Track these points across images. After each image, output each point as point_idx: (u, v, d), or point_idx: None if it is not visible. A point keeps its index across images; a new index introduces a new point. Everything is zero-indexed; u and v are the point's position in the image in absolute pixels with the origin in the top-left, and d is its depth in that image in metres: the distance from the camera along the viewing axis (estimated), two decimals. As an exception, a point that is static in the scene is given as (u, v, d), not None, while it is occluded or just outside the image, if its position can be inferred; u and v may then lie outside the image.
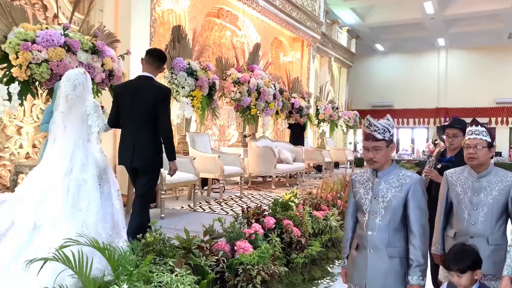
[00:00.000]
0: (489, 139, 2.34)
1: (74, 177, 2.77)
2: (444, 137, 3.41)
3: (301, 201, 4.74)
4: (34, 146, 4.81)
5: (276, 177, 7.51)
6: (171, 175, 3.46)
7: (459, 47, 18.10)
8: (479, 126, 2.38)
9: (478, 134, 2.34)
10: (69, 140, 2.88)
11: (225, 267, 3.00)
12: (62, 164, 2.79)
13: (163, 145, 3.27)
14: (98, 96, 4.52)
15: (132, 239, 2.85)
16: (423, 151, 15.37)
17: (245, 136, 8.15)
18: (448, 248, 2.31)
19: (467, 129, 2.42)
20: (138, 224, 3.10)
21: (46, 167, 2.84)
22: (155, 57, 3.33)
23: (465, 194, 2.39)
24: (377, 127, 1.99)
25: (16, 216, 2.66)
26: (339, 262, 4.52)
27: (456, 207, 2.42)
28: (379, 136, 1.99)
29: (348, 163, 11.99)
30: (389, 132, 2.01)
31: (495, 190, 2.29)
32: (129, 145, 3.20)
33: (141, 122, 3.18)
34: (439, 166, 3.29)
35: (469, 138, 2.36)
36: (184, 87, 5.78)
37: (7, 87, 3.64)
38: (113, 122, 3.28)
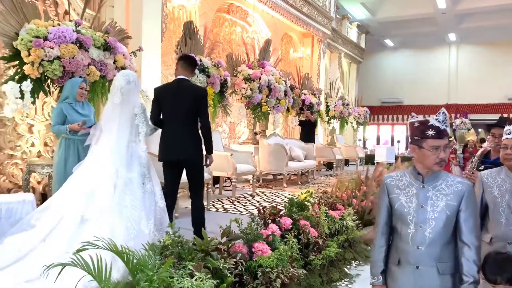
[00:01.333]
0: None
1: (121, 175, 2.94)
2: (489, 137, 3.26)
3: (317, 200, 4.64)
4: (45, 144, 4.75)
5: (287, 174, 7.42)
6: (207, 166, 3.68)
7: (470, 42, 17.82)
8: None
9: None
10: (116, 140, 3.05)
11: (243, 269, 2.92)
12: (110, 163, 2.96)
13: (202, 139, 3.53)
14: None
15: (197, 227, 3.32)
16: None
17: (255, 134, 8.06)
18: (484, 254, 2.14)
19: (505, 129, 2.32)
20: (199, 213, 3.52)
21: (93, 165, 3.01)
22: (189, 63, 3.64)
23: (503, 197, 2.25)
24: (447, 120, 1.75)
25: (65, 211, 2.84)
26: (356, 263, 4.43)
27: (493, 211, 2.28)
28: (450, 131, 1.79)
29: (359, 160, 11.85)
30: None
31: None
32: (173, 141, 3.43)
33: (184, 120, 3.44)
34: (481, 167, 3.15)
35: (506, 138, 2.25)
36: (196, 84, 5.68)
37: (19, 85, 3.57)
38: (155, 121, 3.51)
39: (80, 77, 3.88)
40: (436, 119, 1.75)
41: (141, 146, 3.18)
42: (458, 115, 16.55)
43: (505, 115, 17.35)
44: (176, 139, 3.43)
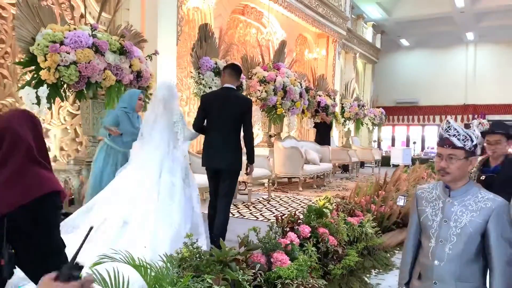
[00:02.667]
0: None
1: (164, 180, 3.07)
2: (485, 144, 3.08)
3: (335, 206, 4.53)
4: (61, 149, 4.74)
5: (303, 178, 7.31)
6: (248, 174, 3.83)
7: (489, 41, 17.41)
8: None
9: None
10: (159, 145, 3.19)
11: (262, 281, 2.83)
12: (152, 169, 3.10)
13: (245, 148, 3.59)
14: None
15: (217, 235, 3.25)
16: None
17: (270, 136, 7.97)
18: None
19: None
20: (223, 221, 3.45)
21: (137, 170, 3.14)
22: (236, 71, 3.67)
23: None
24: (458, 132, 1.67)
25: (108, 213, 2.96)
26: (375, 271, 4.31)
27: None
28: (458, 143, 1.66)
29: (375, 162, 11.67)
30: (472, 141, 1.67)
31: None
32: (217, 149, 3.49)
33: (228, 129, 3.49)
34: (482, 177, 2.99)
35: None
36: (211, 87, 5.63)
37: (35, 90, 3.55)
38: (198, 127, 3.55)
39: (139, 88, 4.19)
40: (442, 127, 1.73)
41: (181, 151, 3.33)
42: (476, 116, 16.24)
43: (525, 116, 16.95)
44: (220, 147, 3.49)
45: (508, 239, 1.64)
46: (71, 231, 2.94)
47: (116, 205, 3.00)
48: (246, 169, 3.72)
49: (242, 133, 3.60)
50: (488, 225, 1.64)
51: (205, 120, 3.55)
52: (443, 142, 1.70)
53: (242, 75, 6.29)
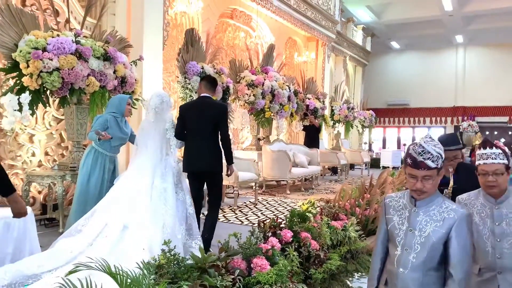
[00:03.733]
0: (507, 162, 2.01)
1: (156, 186, 3.27)
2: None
3: (319, 210, 4.57)
4: (46, 153, 4.74)
5: (291, 181, 7.36)
6: (229, 175, 3.94)
7: (478, 44, 17.62)
8: (494, 147, 2.02)
9: (495, 158, 2.00)
10: (153, 153, 3.39)
11: (241, 286, 2.86)
12: (146, 175, 3.29)
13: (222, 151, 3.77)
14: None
15: (207, 236, 3.54)
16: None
17: (259, 139, 8.00)
18: (473, 285, 2.03)
19: (480, 152, 2.06)
20: (212, 222, 3.70)
21: (133, 176, 3.34)
22: (211, 83, 3.89)
23: (484, 224, 2.06)
24: (431, 154, 1.68)
25: (109, 219, 3.15)
26: (358, 275, 4.35)
27: (477, 240, 2.06)
28: (432, 165, 1.67)
29: (364, 164, 11.75)
30: (442, 157, 1.71)
31: None
32: (197, 153, 3.69)
33: (206, 133, 3.69)
34: (446, 192, 3.00)
35: (485, 163, 2.01)
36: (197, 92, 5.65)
37: (18, 97, 3.56)
38: (180, 135, 3.68)
39: (123, 93, 4.27)
40: (413, 149, 1.72)
41: (173, 157, 3.53)
42: (465, 118, 16.40)
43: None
44: (199, 151, 3.70)
45: (468, 249, 1.69)
46: (74, 234, 3.18)
47: (116, 210, 3.19)
48: (227, 170, 3.87)
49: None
50: (450, 235, 1.69)
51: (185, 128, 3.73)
52: (418, 165, 1.70)
53: (228, 79, 6.38)
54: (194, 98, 5.73)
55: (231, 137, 3.92)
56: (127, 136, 3.96)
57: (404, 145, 17.28)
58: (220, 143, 3.76)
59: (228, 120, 4.00)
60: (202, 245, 3.35)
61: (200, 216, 3.85)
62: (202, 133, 3.68)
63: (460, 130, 15.09)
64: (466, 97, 17.97)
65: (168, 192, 3.31)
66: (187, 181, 3.71)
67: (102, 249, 2.94)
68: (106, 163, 3.82)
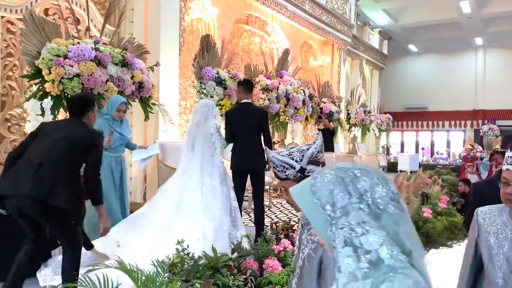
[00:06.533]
0: None
1: (205, 183, 3.67)
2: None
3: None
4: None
5: (306, 185, 7.37)
6: (268, 170, 4.37)
7: (498, 46, 17.31)
8: None
9: None
10: (201, 155, 3.79)
11: (253, 286, 2.92)
12: (194, 174, 3.71)
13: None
14: (128, 108, 4.56)
15: (258, 221, 4.08)
16: (459, 154, 14.78)
17: (273, 143, 8.05)
18: None
19: (506, 155, 1.63)
20: (260, 209, 4.17)
21: (184, 176, 3.74)
22: (247, 87, 4.41)
23: (500, 247, 1.57)
24: None
25: (163, 210, 3.56)
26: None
27: (487, 267, 1.61)
28: None
29: (381, 168, 11.67)
30: None
31: None
32: (242, 154, 4.18)
33: (249, 136, 4.19)
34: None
35: (507, 170, 1.58)
36: (213, 96, 5.76)
37: (40, 102, 3.71)
38: (230, 138, 4.23)
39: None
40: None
41: (219, 158, 3.93)
42: (485, 122, 16.10)
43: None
44: (243, 152, 4.19)
45: None
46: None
47: (168, 203, 3.61)
48: (267, 166, 4.32)
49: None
50: None
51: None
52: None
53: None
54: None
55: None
56: (125, 136, 4.00)
57: (423, 149, 17.05)
58: (262, 143, 4.24)
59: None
60: (244, 235, 3.63)
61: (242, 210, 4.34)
62: (246, 136, 4.18)
63: (481, 134, 14.82)
64: (486, 100, 17.64)
65: (216, 188, 3.70)
66: (230, 177, 4.15)
67: (150, 237, 3.35)
68: (112, 163, 3.85)
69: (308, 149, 1.47)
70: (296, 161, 1.43)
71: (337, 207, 0.79)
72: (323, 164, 1.49)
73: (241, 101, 4.38)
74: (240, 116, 4.27)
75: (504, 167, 1.59)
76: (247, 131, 4.21)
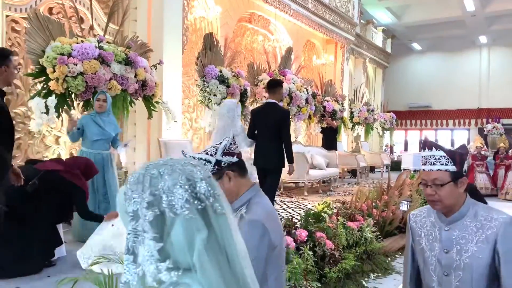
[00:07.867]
0: (453, 168, 1.49)
1: None
2: None
3: (335, 211, 4.61)
4: (71, 155, 4.94)
5: (309, 183, 7.39)
6: (290, 173, 4.57)
7: (502, 45, 17.20)
8: (433, 149, 1.52)
9: (434, 164, 1.50)
10: None
11: (256, 283, 2.94)
12: None
13: (284, 151, 4.38)
14: (132, 106, 4.59)
15: None
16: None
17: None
18: None
19: (422, 154, 1.58)
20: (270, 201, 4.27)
21: None
22: (271, 87, 4.59)
23: (431, 250, 1.56)
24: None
25: None
26: (374, 275, 4.36)
27: (423, 271, 1.61)
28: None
29: (384, 167, 11.65)
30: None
31: (473, 244, 1.47)
32: (262, 152, 4.40)
33: (270, 136, 4.36)
34: None
35: (423, 170, 1.54)
36: (215, 95, 5.78)
37: (44, 100, 3.74)
38: (250, 134, 4.53)
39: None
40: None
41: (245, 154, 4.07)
42: (490, 120, 16.02)
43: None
44: (263, 151, 4.40)
45: None
46: None
47: None
48: (289, 168, 4.51)
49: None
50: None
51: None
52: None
53: (246, 82, 6.48)
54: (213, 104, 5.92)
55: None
56: (105, 131, 3.85)
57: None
58: (283, 144, 4.35)
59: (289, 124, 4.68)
60: None
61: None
62: (267, 135, 4.37)
63: (485, 133, 14.76)
64: (491, 99, 17.55)
65: None
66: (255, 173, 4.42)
67: None
68: (102, 160, 3.81)
69: (221, 143, 1.50)
70: (211, 155, 1.44)
71: (129, 210, 0.74)
72: (239, 155, 1.50)
73: (267, 101, 4.63)
74: (262, 116, 4.46)
75: (421, 168, 1.57)
76: (266, 130, 4.41)
